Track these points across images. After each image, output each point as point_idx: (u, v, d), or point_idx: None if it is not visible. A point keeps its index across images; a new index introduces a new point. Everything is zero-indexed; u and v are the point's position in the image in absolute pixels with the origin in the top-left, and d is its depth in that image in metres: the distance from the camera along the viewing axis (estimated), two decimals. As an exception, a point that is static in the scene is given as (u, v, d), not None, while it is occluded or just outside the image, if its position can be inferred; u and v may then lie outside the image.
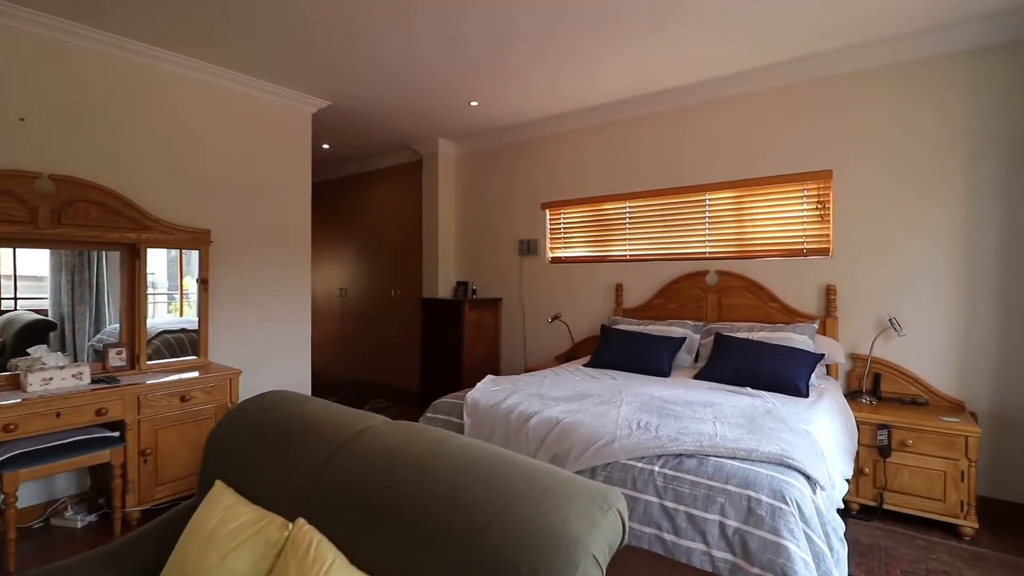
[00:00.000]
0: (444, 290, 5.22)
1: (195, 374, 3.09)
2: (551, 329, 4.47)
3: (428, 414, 2.36)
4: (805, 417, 2.05)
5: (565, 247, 4.53)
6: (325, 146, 5.40)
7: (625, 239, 4.14)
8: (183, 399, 2.91)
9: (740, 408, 2.00)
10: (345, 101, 4.04)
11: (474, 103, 4.02)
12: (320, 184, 6.90)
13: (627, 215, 4.13)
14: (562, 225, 4.54)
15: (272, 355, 3.79)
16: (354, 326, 6.33)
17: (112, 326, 3.11)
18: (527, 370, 4.08)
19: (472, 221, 5.20)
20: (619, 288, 4.05)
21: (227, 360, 3.46)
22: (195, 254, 3.30)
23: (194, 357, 3.31)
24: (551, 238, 4.62)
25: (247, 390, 3.53)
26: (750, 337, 2.95)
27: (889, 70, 3.07)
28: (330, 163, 6.18)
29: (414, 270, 5.49)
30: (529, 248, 4.67)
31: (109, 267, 3.09)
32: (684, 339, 3.17)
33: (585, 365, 3.24)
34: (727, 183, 3.61)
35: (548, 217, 4.62)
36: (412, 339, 5.51)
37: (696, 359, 3.19)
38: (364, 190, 6.20)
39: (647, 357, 3.01)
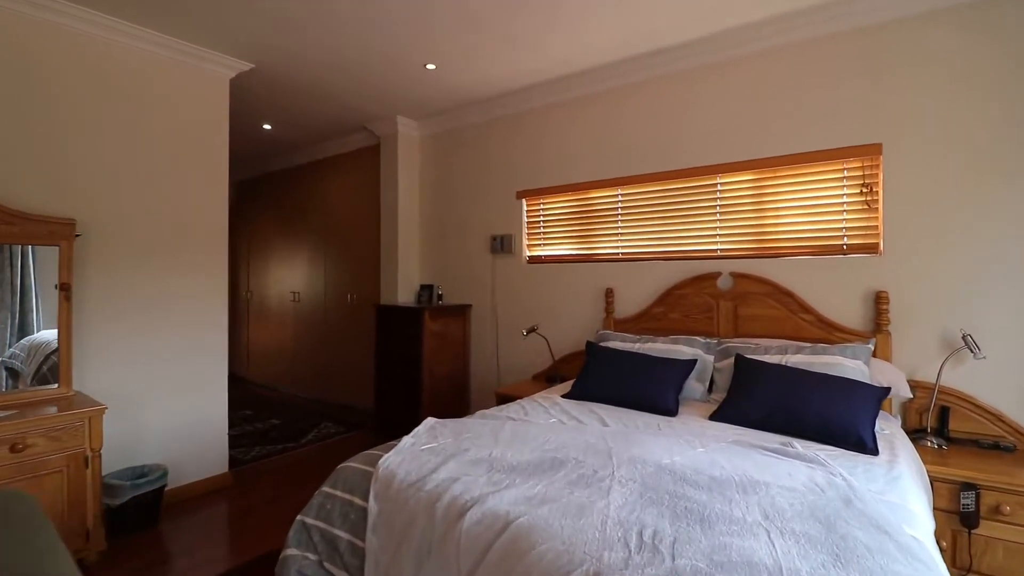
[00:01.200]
0: (406, 295, 4.45)
1: (53, 410, 2.31)
2: (529, 342, 3.73)
3: (326, 488, 1.60)
4: (896, 503, 1.33)
5: (545, 244, 3.78)
6: (266, 127, 4.60)
7: (617, 234, 3.40)
8: (14, 448, 2.13)
9: (800, 492, 1.26)
10: (272, 64, 3.27)
11: (430, 66, 3.26)
12: (269, 175, 6.11)
13: (619, 205, 3.39)
14: (542, 218, 3.79)
15: (173, 383, 2.99)
16: (308, 336, 5.54)
17: (41, 335, 2.51)
18: (498, 396, 3.33)
19: (438, 214, 4.44)
20: (609, 293, 3.31)
21: (107, 391, 2.68)
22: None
23: (55, 387, 2.52)
24: (529, 233, 3.87)
25: (129, 432, 2.76)
26: (783, 362, 2.22)
27: (956, 13, 2.36)
28: (278, 149, 5.38)
29: (374, 272, 4.71)
30: (503, 245, 3.91)
31: (40, 265, 2.53)
32: (694, 362, 2.43)
33: (566, 396, 2.50)
34: (744, 163, 2.89)
35: (525, 208, 3.87)
36: (370, 352, 4.73)
37: (710, 389, 2.45)
38: (318, 181, 5.41)
39: (646, 388, 2.27)
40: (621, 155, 3.35)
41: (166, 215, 2.97)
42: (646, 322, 3.15)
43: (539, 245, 3.82)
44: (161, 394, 2.94)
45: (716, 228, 3.01)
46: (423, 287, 4.44)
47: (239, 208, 6.60)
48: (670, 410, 2.17)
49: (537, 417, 2.10)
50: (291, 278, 5.75)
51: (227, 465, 3.27)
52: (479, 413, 2.20)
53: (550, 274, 3.70)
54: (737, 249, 2.94)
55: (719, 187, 3.00)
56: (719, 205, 3.00)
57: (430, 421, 1.95)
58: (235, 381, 6.57)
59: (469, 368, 4.18)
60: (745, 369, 2.21)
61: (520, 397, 3.13)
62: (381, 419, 4.07)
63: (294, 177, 5.76)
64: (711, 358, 2.51)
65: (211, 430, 3.17)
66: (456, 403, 4.03)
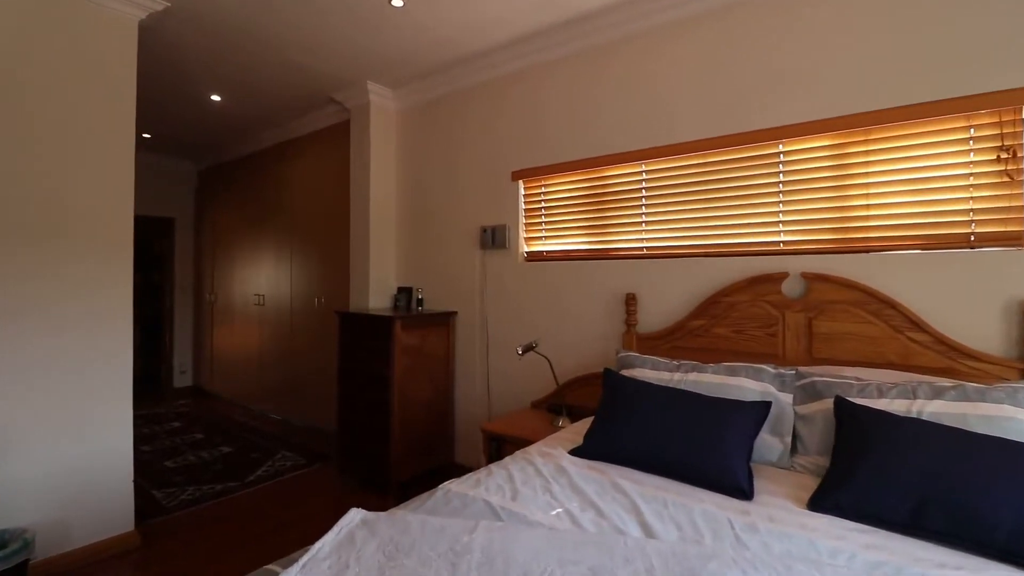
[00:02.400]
0: (380, 299, 3.68)
1: None
2: (527, 361, 2.96)
3: None
4: None
5: (548, 237, 3.01)
6: (214, 97, 3.85)
7: (640, 223, 2.62)
8: None
9: None
10: (192, 3, 2.51)
11: (396, 1, 2.49)
12: (232, 163, 5.36)
13: (644, 185, 2.61)
14: (543, 204, 3.02)
15: (51, 416, 2.23)
16: (272, 345, 4.78)
17: None
18: (487, 434, 2.55)
19: (419, 203, 3.67)
20: (631, 300, 2.53)
21: (-66, 433, 1.92)
22: None
23: None
24: (527, 223, 3.10)
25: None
26: (915, 412, 1.43)
27: None
28: (237, 130, 4.63)
29: (345, 273, 3.95)
30: (494, 239, 3.14)
31: None
32: (765, 406, 1.64)
33: (576, 452, 1.71)
34: (820, 124, 2.11)
35: (522, 192, 3.09)
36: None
37: (793, 448, 1.65)
38: (283, 167, 4.65)
39: (700, 448, 1.49)
40: (647, 120, 2.57)
41: (41, 193, 2.22)
42: (681, 339, 2.37)
43: (540, 239, 3.04)
44: (31, 432, 2.18)
45: (778, 213, 2.23)
46: (400, 290, 3.68)
47: (202, 201, 5.86)
48: (742, 489, 1.38)
49: (531, 504, 1.32)
50: (255, 279, 4.99)
51: (132, 521, 2.51)
52: (442, 492, 1.42)
53: (553, 275, 2.92)
54: (810, 241, 2.15)
55: (782, 157, 2.22)
56: (782, 182, 2.22)
57: (354, 517, 1.18)
58: (199, 396, 5.85)
59: (453, 393, 3.40)
60: (857, 423, 1.41)
61: (515, 435, 2.38)
62: (345, 451, 3.31)
63: (258, 163, 5.00)
64: (788, 399, 1.72)
65: (108, 477, 2.41)
66: (436, 438, 3.26)
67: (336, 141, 4.07)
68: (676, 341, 2.39)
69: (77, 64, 2.31)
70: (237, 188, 5.23)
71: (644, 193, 2.60)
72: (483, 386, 3.24)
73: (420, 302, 3.53)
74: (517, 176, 3.08)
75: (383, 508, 3.04)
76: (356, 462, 3.25)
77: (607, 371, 2.01)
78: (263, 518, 2.78)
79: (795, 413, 1.68)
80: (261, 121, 4.41)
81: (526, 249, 3.10)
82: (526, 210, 3.09)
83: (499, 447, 2.49)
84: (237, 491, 3.12)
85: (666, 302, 2.49)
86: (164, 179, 5.72)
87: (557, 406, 2.68)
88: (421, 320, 3.16)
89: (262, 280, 4.89)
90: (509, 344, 3.09)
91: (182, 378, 5.92)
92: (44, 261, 2.22)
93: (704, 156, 2.41)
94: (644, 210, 2.60)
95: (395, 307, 3.65)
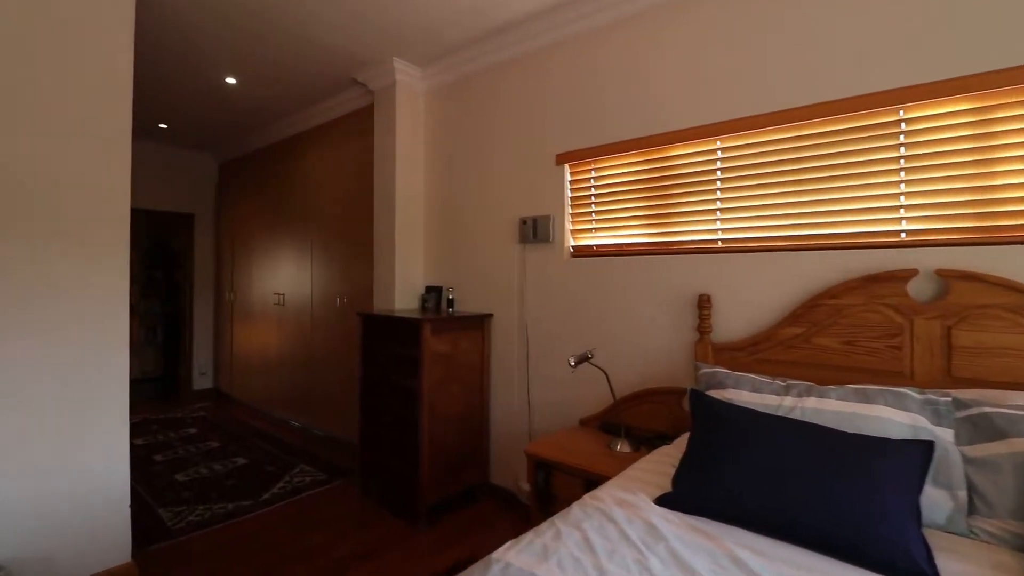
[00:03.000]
0: (407, 299, 3.35)
1: None
2: (576, 371, 2.58)
3: None
4: None
5: (599, 228, 2.62)
6: (229, 80, 3.56)
7: (715, 210, 2.21)
8: None
9: None
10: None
11: (429, -48, 2.14)
12: (252, 155, 5.11)
13: (718, 166, 2.20)
14: (593, 191, 2.63)
15: (29, 432, 1.95)
16: (293, 347, 4.50)
17: None
18: (531, 457, 2.18)
19: (450, 192, 3.32)
20: (704, 303, 2.12)
21: None
22: None
23: None
24: (574, 214, 2.71)
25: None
26: None
27: None
28: (257, 119, 4.36)
29: (369, 270, 3.64)
30: (536, 232, 2.77)
31: None
32: (928, 448, 1.22)
33: (665, 503, 1.30)
34: (954, 83, 1.67)
35: (568, 178, 2.71)
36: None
37: (971, 506, 1.23)
38: (304, 157, 4.36)
39: (845, 506, 1.09)
40: (724, 88, 2.16)
41: (19, 174, 1.93)
42: (769, 350, 1.96)
43: (589, 231, 2.65)
44: (8, 451, 1.90)
45: (899, 196, 1.80)
46: (429, 290, 3.33)
47: (222, 195, 5.64)
48: (922, 572, 0.97)
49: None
50: (275, 277, 4.72)
51: (129, 551, 2.21)
52: (498, 568, 1.04)
53: (606, 271, 2.54)
54: (943, 231, 1.72)
55: (903, 127, 1.79)
56: (904, 157, 1.79)
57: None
58: (218, 399, 5.62)
59: (488, 405, 3.03)
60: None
61: (566, 462, 2.02)
62: (368, 469, 2.98)
63: (278, 155, 4.73)
64: (948, 435, 1.30)
65: (101, 502, 2.12)
66: (468, 456, 2.90)
67: (359, 128, 3.76)
68: (763, 353, 1.97)
69: (63, 29, 2.02)
70: (257, 181, 4.98)
71: (719, 175, 2.19)
72: (522, 398, 2.87)
73: (451, 303, 3.18)
74: (562, 159, 2.70)
75: (410, 535, 2.72)
76: (380, 481, 2.91)
77: (695, 393, 1.61)
78: (276, 546, 2.46)
79: (963, 456, 1.26)
80: (279, 107, 4.12)
81: (573, 243, 2.71)
82: (573, 198, 2.71)
83: (547, 476, 2.11)
84: (250, 511, 2.82)
85: (748, 305, 2.08)
86: (184, 173, 5.51)
87: (613, 426, 2.29)
88: (453, 323, 2.81)
89: (282, 278, 4.62)
90: (553, 351, 2.71)
91: (202, 380, 5.71)
92: (24, 252, 1.93)
93: (798, 128, 1.99)
94: (719, 195, 2.19)
95: (423, 308, 3.31)
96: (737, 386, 1.65)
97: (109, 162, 2.13)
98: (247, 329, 5.15)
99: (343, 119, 3.95)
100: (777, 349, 1.94)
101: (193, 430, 4.31)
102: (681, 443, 1.75)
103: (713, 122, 2.17)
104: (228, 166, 5.57)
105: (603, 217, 2.59)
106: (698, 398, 1.56)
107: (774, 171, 2.05)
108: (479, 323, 2.97)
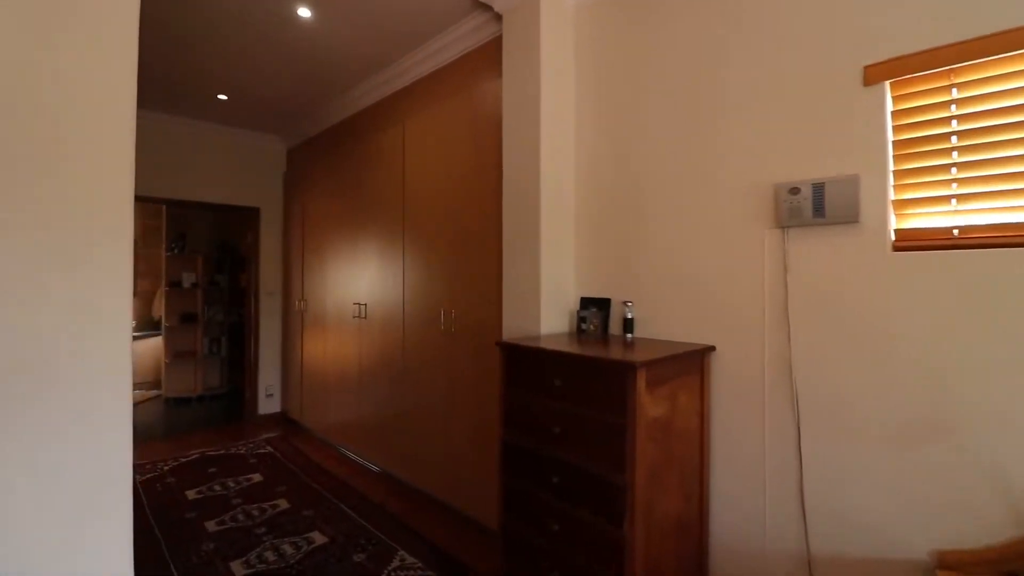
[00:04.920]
0: (554, 318, 2.24)
1: None
2: (906, 460, 1.37)
3: None
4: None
5: (967, 196, 1.39)
6: (302, 12, 2.60)
7: None
8: None
9: None
10: None
11: None
12: (322, 136, 4.20)
13: None
14: (955, 126, 1.40)
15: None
16: (377, 373, 3.51)
17: None
18: None
19: (625, 153, 2.18)
20: None
21: None
22: None
23: None
24: (903, 171, 1.49)
25: None
26: None
27: None
28: (332, 79, 3.41)
29: (488, 274, 2.58)
30: (821, 205, 1.57)
31: None
32: None
33: None
34: None
35: (889, 107, 1.50)
36: (487, 426, 2.62)
37: None
38: (393, 129, 3.37)
39: None
40: None
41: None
42: None
43: (939, 202, 1.43)
44: None
45: None
46: (587, 304, 2.21)
47: (291, 186, 4.79)
48: None
49: None
50: (355, 282, 3.77)
51: None
52: None
53: (984, 281, 1.31)
54: None
55: None
56: None
57: None
58: (286, 427, 4.75)
59: (709, 505, 1.85)
60: None
61: None
62: (513, 588, 1.88)
63: (358, 129, 3.78)
64: None
65: None
66: (688, 578, 1.74)
67: (474, 79, 2.70)
68: None
69: None
70: (331, 165, 4.06)
71: None
72: (777, 494, 1.67)
73: (629, 325, 2.04)
74: (879, 74, 1.49)
75: None
76: (535, 613, 1.81)
77: None
78: None
79: None
80: (364, 56, 3.14)
81: (896, 226, 1.50)
82: (900, 143, 1.49)
83: None
84: (337, 653, 1.79)
85: None
86: (248, 160, 4.71)
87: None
88: (668, 366, 1.65)
89: (363, 284, 3.65)
90: (849, 417, 1.51)
91: (268, 403, 4.88)
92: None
93: None
94: None
95: (579, 330, 2.19)
96: None
97: (108, 110, 1.13)
98: (319, 345, 4.25)
99: (452, 67, 2.91)
100: None
101: (257, 477, 3.41)
102: None
103: None
104: (298, 150, 4.72)
105: (975, 175, 1.36)
106: None
107: None
108: (695, 362, 1.80)
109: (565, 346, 1.79)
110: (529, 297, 2.23)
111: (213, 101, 3.83)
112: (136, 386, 6.33)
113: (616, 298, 2.16)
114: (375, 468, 3.53)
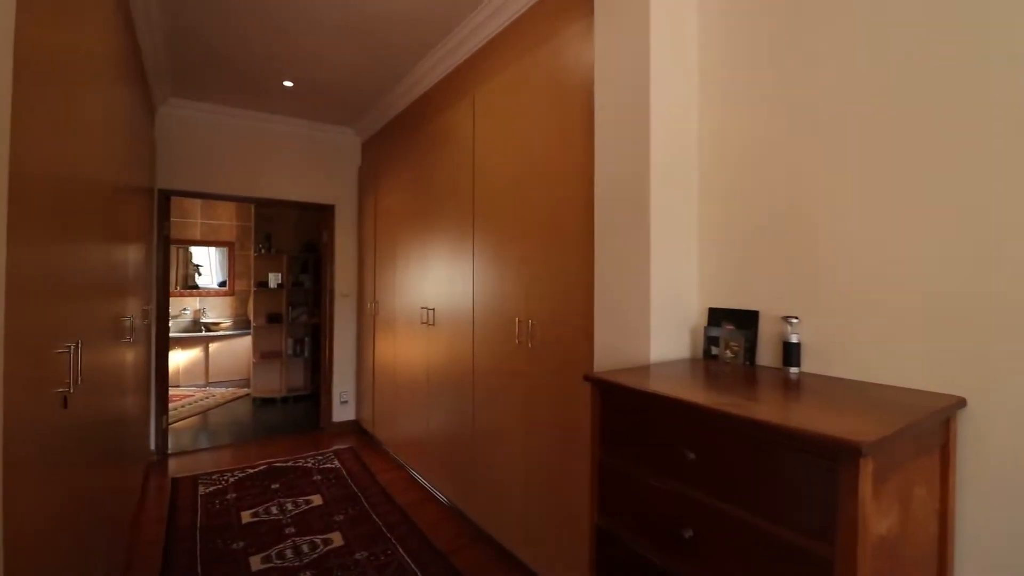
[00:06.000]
0: (667, 338, 1.57)
1: None
2: None
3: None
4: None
5: None
6: (351, -40, 2.15)
7: None
8: None
9: None
10: None
11: None
12: (393, 124, 3.76)
13: None
14: None
15: None
16: (443, 388, 3.02)
17: None
18: None
19: (769, 117, 1.45)
20: None
21: None
22: None
23: None
24: None
25: None
26: None
27: None
28: (404, 45, 2.97)
29: (579, 279, 1.96)
30: None
31: None
32: None
33: None
34: None
35: None
36: (570, 468, 2.01)
37: None
38: (461, 104, 2.85)
39: None
40: None
41: None
42: None
43: None
44: None
45: None
46: (721, 318, 1.52)
47: (364, 181, 4.49)
48: None
49: None
50: (422, 284, 3.32)
51: None
52: None
53: None
54: None
55: None
56: None
57: None
58: (359, 437, 4.47)
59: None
60: None
61: None
62: None
63: (428, 108, 3.33)
64: None
65: None
66: None
67: (553, 25, 2.09)
68: None
69: None
70: (401, 154, 3.66)
71: None
72: None
73: (793, 353, 1.32)
74: None
75: None
76: None
77: None
78: None
79: None
80: (424, 14, 2.66)
81: None
82: None
83: None
84: None
85: None
86: (324, 156, 4.49)
87: None
88: (903, 445, 0.93)
89: (430, 287, 3.19)
90: None
91: (343, 410, 4.64)
92: None
93: None
94: None
95: (708, 356, 1.50)
96: None
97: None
98: (389, 352, 3.88)
99: (525, 18, 2.33)
100: None
101: (317, 499, 3.07)
102: None
103: None
104: (371, 143, 4.41)
105: None
106: None
107: None
108: (937, 430, 1.05)
109: (701, 390, 1.12)
110: (632, 308, 1.58)
111: (279, 89, 3.58)
112: (228, 383, 6.49)
113: (769, 311, 1.45)
114: (443, 499, 3.05)
